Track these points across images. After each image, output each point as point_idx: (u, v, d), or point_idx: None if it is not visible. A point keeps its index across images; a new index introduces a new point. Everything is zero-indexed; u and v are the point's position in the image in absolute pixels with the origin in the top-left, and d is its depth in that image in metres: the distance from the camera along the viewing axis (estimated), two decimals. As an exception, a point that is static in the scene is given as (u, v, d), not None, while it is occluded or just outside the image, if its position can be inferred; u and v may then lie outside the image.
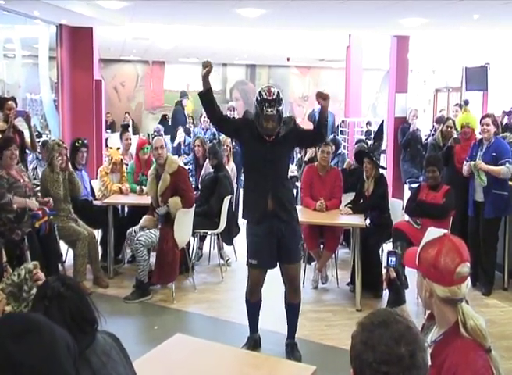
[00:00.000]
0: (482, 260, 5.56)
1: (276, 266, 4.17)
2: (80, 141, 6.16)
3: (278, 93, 3.89)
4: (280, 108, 3.87)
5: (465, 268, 1.79)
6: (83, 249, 5.45)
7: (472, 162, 5.56)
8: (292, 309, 4.23)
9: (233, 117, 4.22)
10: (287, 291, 4.21)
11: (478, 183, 5.59)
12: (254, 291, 4.18)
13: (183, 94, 12.92)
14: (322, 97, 3.89)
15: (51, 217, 5.10)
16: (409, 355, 1.31)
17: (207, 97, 4.08)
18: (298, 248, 4.16)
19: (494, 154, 5.49)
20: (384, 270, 2.16)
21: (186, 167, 8.24)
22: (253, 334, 4.30)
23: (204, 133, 10.06)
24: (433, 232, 1.87)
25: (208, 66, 3.95)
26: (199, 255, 6.64)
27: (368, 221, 5.51)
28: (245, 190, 4.23)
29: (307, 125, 12.35)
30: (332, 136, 9.69)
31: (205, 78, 4.02)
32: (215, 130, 10.50)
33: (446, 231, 1.87)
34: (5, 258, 2.18)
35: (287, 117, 4.10)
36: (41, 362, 1.27)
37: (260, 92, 3.91)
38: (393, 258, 2.12)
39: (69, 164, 5.72)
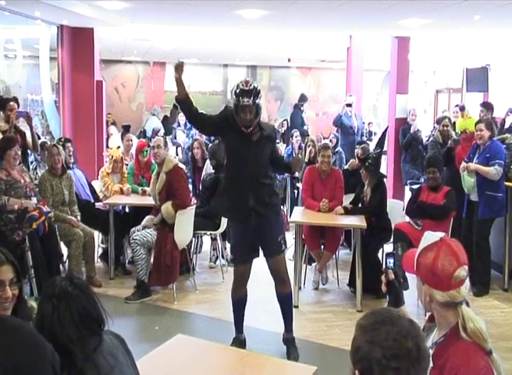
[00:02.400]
0: (475, 261, 5.54)
1: (256, 256, 4.24)
2: (62, 139, 6.21)
3: (255, 86, 3.90)
4: (257, 101, 3.87)
5: (463, 271, 1.79)
6: (77, 249, 5.45)
7: (462, 164, 5.60)
8: (283, 300, 4.25)
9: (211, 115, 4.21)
10: (276, 283, 4.25)
11: (474, 184, 5.60)
12: (237, 285, 4.25)
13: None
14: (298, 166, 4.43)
15: (50, 215, 5.09)
16: (416, 348, 1.34)
17: (185, 103, 3.94)
18: (278, 241, 4.16)
19: (488, 155, 5.50)
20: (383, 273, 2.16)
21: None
22: (238, 335, 4.32)
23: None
24: (429, 237, 1.87)
25: (179, 67, 3.81)
26: (215, 257, 6.57)
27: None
28: (226, 188, 4.22)
29: (321, 129, 12.23)
30: (333, 134, 9.69)
31: (179, 82, 3.84)
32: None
33: (442, 235, 1.86)
34: (6, 276, 2.09)
35: (269, 124, 4.36)
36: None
37: (237, 85, 3.93)
38: (391, 260, 2.12)
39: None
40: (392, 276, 2.07)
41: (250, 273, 4.25)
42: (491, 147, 5.54)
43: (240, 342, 4.27)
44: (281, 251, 4.21)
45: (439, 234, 1.87)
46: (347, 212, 5.50)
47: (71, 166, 6.18)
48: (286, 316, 4.28)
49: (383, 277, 2.09)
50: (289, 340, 4.26)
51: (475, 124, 5.73)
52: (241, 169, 3.98)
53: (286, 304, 4.28)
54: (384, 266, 2.14)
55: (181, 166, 6.33)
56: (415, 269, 1.87)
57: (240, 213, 4.05)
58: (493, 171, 5.40)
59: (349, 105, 9.88)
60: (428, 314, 1.98)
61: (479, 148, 5.64)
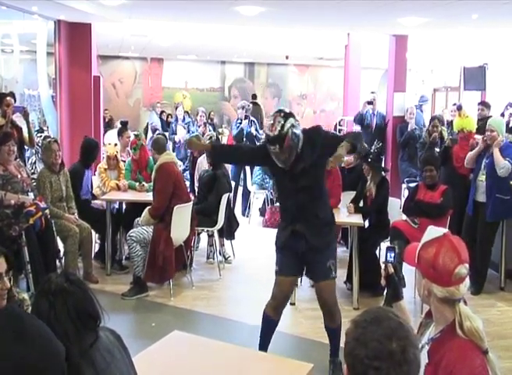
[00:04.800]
0: (476, 260, 5.54)
1: (300, 275, 4.17)
2: (96, 141, 6.20)
3: (283, 123, 3.44)
4: (285, 143, 3.43)
5: (463, 269, 1.79)
6: (73, 246, 5.44)
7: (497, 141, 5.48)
8: (330, 333, 3.97)
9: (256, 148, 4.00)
10: (323, 314, 3.95)
11: (480, 184, 5.59)
12: (278, 300, 3.86)
13: None
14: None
15: (47, 211, 5.08)
16: (400, 350, 1.33)
17: (217, 155, 3.94)
18: (326, 266, 3.76)
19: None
20: (382, 266, 2.17)
21: (181, 167, 8.27)
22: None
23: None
24: (433, 231, 1.87)
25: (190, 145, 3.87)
26: (212, 253, 6.54)
27: (366, 223, 5.50)
28: (280, 215, 3.99)
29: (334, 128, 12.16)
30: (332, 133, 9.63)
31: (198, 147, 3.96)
32: (211, 127, 10.58)
33: (446, 231, 1.86)
34: (3, 269, 2.11)
35: (311, 131, 3.68)
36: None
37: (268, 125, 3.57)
38: (392, 254, 2.13)
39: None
40: (391, 270, 2.08)
41: (292, 292, 3.91)
42: (503, 149, 5.47)
43: None
44: (329, 276, 3.78)
45: (443, 230, 1.87)
46: (356, 211, 5.50)
47: (89, 166, 6.22)
48: (331, 343, 3.99)
49: (383, 271, 2.10)
50: (335, 364, 3.99)
51: (485, 123, 5.71)
52: (287, 200, 3.74)
53: (333, 337, 3.95)
54: (384, 259, 2.15)
55: (176, 162, 6.29)
56: (416, 262, 1.87)
57: (285, 241, 3.77)
58: (508, 164, 5.32)
59: (369, 103, 9.67)
60: (426, 310, 1.98)
61: (489, 149, 5.60)
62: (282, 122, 3.44)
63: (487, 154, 5.59)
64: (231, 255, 6.66)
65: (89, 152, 6.15)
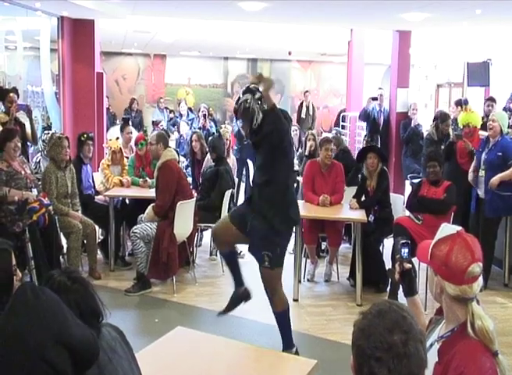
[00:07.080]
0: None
1: (242, 229, 3.96)
2: (85, 135, 6.16)
3: (239, 97, 3.73)
4: (239, 112, 3.73)
5: (477, 268, 1.76)
6: (76, 242, 5.45)
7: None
8: (275, 317, 3.97)
9: None
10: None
11: (481, 180, 5.57)
12: (216, 236, 4.21)
13: None
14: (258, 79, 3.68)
15: (50, 208, 5.09)
16: (402, 343, 1.34)
17: None
18: (260, 253, 3.84)
19: (500, 154, 5.43)
20: (388, 263, 2.17)
21: (184, 163, 8.25)
22: (236, 288, 4.17)
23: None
24: (447, 228, 1.84)
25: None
26: (216, 250, 6.43)
27: (371, 217, 5.49)
28: None
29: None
30: (334, 132, 9.63)
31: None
32: (212, 123, 10.55)
33: (459, 228, 1.83)
34: (13, 262, 2.25)
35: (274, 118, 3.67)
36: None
37: None
38: (406, 250, 2.13)
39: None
40: (407, 265, 2.08)
41: (234, 238, 4.03)
42: (502, 144, 5.46)
43: (235, 298, 4.17)
44: (262, 264, 3.86)
45: (456, 227, 1.83)
46: (360, 205, 5.50)
47: (86, 162, 6.20)
48: (281, 333, 3.96)
49: (397, 266, 2.10)
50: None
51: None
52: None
53: (278, 322, 3.95)
54: (399, 255, 2.14)
55: (178, 158, 6.27)
56: (429, 259, 1.84)
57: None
58: None
59: (374, 99, 9.58)
60: (428, 308, 1.97)
61: (488, 143, 5.60)
62: (240, 96, 3.73)
63: (486, 149, 5.58)
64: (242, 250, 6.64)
65: (78, 146, 6.16)
